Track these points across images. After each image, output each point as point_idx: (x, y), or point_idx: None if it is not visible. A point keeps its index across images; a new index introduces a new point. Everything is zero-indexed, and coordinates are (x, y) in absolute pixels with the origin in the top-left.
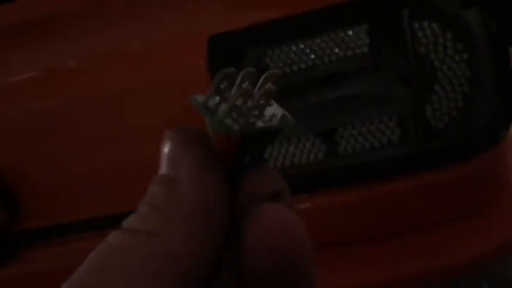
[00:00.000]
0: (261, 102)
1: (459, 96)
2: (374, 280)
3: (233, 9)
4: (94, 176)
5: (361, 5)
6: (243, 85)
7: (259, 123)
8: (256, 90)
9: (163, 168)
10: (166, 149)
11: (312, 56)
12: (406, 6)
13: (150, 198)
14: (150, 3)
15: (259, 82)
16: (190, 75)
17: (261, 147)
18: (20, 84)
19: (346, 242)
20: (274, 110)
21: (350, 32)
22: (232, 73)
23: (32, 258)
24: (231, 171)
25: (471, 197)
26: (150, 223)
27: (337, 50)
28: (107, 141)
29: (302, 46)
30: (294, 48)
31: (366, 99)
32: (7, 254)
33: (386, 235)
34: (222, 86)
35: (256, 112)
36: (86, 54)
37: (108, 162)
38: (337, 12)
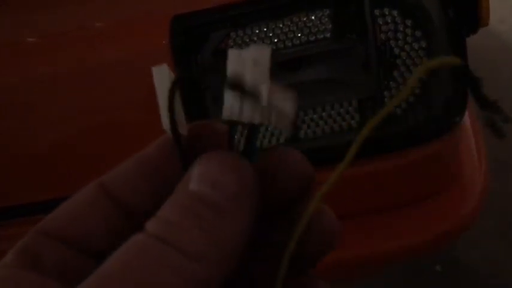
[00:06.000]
0: None
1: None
2: (333, 261)
3: None
4: (48, 157)
5: None
6: None
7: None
8: None
9: (205, 186)
10: (209, 168)
11: (275, 40)
12: None
13: (195, 217)
14: None
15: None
16: (152, 54)
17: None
18: None
19: None
20: None
21: (312, 17)
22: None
23: None
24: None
25: (426, 181)
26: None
27: (299, 35)
28: (66, 120)
29: (265, 29)
30: (256, 31)
31: (327, 84)
32: None
33: (344, 218)
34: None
35: None
36: (46, 30)
37: (67, 143)
38: None
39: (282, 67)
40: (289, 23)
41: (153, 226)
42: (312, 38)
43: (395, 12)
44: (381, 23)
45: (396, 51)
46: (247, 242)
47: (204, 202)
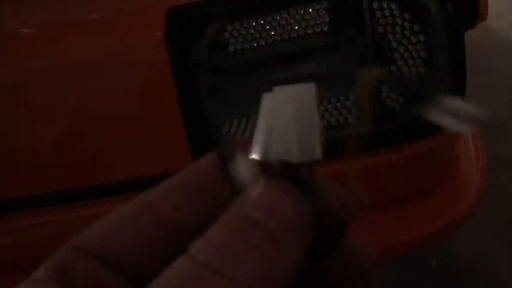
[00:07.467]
0: None
1: (414, 77)
2: None
3: None
4: (48, 150)
5: None
6: None
7: None
8: None
9: (263, 214)
10: (268, 196)
11: (272, 33)
12: None
13: (249, 244)
14: None
15: None
16: (147, 46)
17: None
18: None
19: None
20: None
21: (310, 10)
22: None
23: None
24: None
25: (423, 177)
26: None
27: (296, 27)
28: (62, 113)
29: (262, 22)
30: (253, 23)
31: (324, 78)
32: None
33: None
34: None
35: None
36: (43, 22)
37: (63, 135)
38: None
39: (279, 60)
40: (286, 16)
41: (200, 249)
42: (310, 31)
43: (393, 6)
44: (379, 16)
45: (394, 45)
46: (297, 276)
47: (260, 230)
